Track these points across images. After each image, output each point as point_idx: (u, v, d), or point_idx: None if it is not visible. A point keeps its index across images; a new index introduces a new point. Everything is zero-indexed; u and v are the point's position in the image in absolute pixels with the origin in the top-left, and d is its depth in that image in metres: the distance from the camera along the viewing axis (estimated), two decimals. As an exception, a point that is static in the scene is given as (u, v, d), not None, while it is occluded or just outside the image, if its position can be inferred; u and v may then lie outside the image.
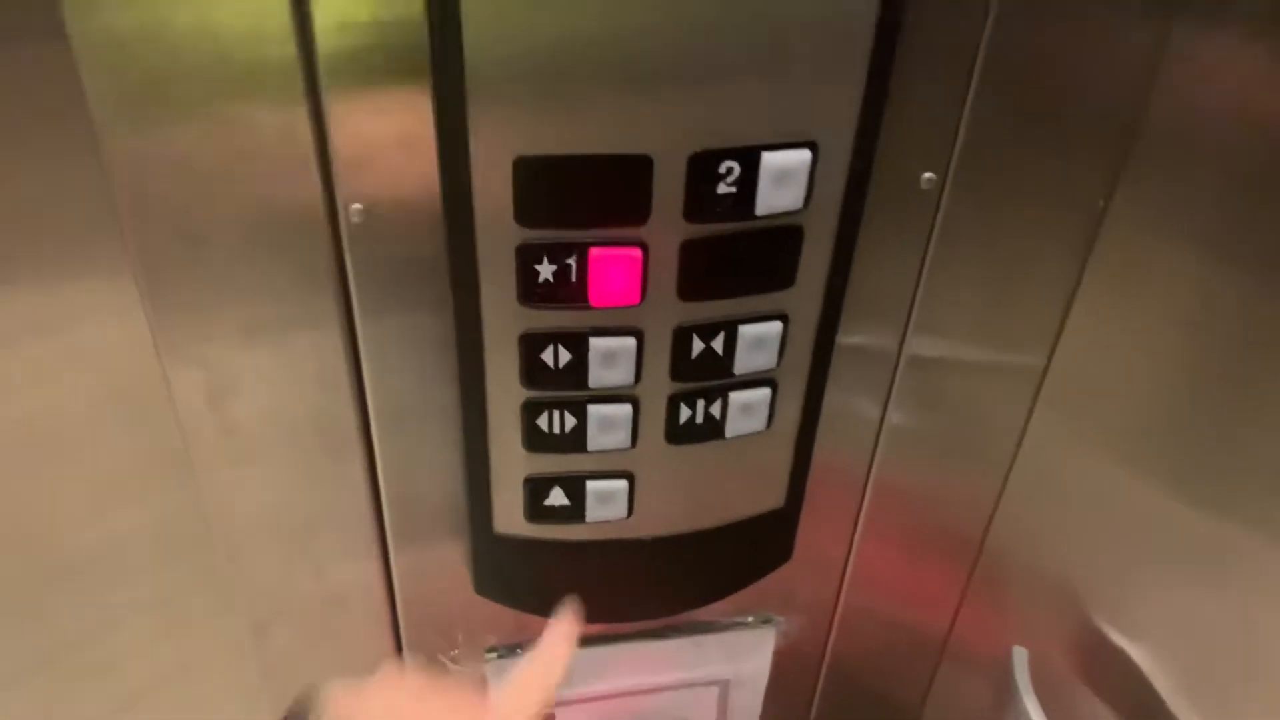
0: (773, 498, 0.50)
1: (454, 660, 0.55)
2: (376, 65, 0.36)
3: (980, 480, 0.55)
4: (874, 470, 0.54)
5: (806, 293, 0.42)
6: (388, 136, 0.37)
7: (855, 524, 0.56)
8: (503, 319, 0.40)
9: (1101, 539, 0.54)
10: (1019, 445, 0.53)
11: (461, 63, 0.34)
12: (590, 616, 0.52)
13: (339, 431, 0.45)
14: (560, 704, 0.59)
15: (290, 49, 0.35)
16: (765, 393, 0.45)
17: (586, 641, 0.55)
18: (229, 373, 0.43)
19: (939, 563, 0.60)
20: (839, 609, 0.61)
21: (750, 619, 0.59)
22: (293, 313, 0.42)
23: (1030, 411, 0.52)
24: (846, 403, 0.50)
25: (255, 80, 0.35)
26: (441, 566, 0.51)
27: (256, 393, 0.44)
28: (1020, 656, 0.54)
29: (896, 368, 0.49)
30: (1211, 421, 0.48)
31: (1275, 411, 0.46)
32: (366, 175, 0.38)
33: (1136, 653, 0.54)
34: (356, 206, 0.38)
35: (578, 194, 0.37)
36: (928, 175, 0.42)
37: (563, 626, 0.43)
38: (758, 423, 0.45)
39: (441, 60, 0.34)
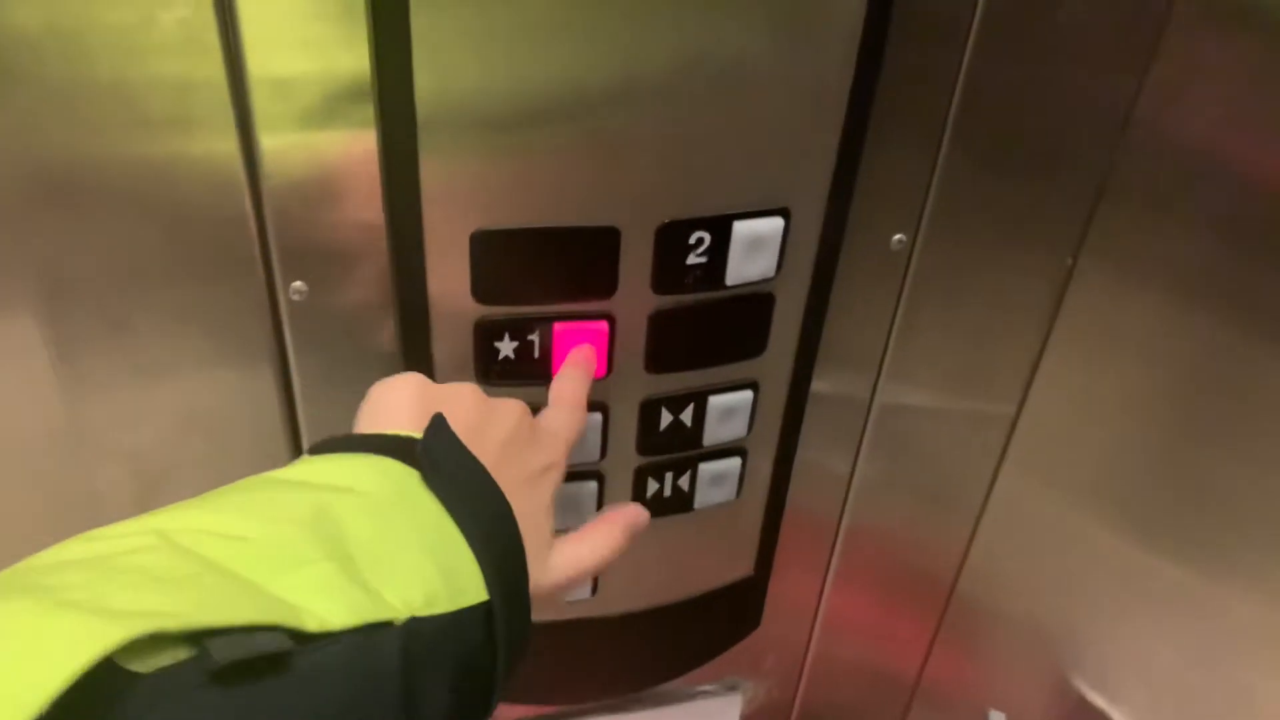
0: (742, 566, 0.48)
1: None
2: (319, 135, 0.33)
3: (950, 528, 0.54)
4: (844, 522, 0.52)
5: (777, 359, 0.40)
6: (332, 211, 0.34)
7: (824, 580, 0.54)
8: (459, 398, 0.37)
9: (1072, 588, 0.54)
10: (989, 493, 0.52)
11: (414, 134, 0.31)
12: (554, 698, 0.49)
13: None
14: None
15: (225, 115, 0.32)
16: (735, 462, 0.43)
17: (546, 718, 0.53)
18: (160, 461, 0.40)
19: (909, 612, 0.58)
20: (807, 665, 0.59)
21: (716, 687, 0.56)
22: (230, 398, 0.38)
23: (1000, 460, 0.51)
24: (818, 457, 0.48)
25: (187, 154, 0.32)
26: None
27: (191, 480, 0.40)
28: (997, 720, 0.52)
29: (868, 418, 0.48)
30: (1181, 471, 0.47)
31: (1244, 460, 0.45)
32: (309, 252, 0.35)
33: (1111, 703, 0.53)
34: (298, 285, 0.36)
35: (540, 268, 0.35)
36: (898, 237, 0.41)
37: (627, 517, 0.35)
38: (727, 493, 0.43)
39: (392, 132, 0.32)
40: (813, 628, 0.57)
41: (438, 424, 0.29)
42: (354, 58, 0.31)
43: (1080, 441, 0.49)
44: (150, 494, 0.40)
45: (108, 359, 0.36)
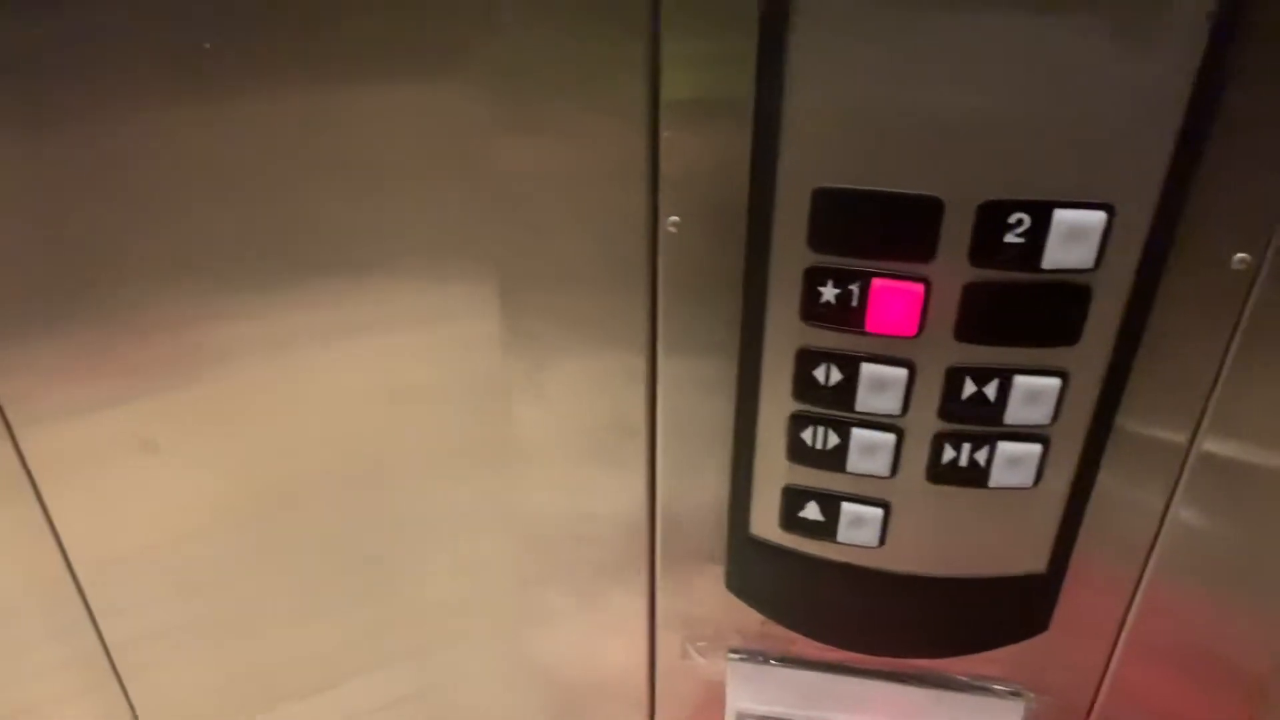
0: (1033, 561, 0.49)
1: (700, 652, 0.59)
2: (708, 100, 0.41)
3: (1273, 612, 0.51)
4: (1149, 568, 0.51)
5: (1089, 355, 0.42)
6: (709, 161, 0.43)
7: (1123, 621, 0.54)
8: (784, 333, 0.43)
9: None
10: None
11: (780, 107, 0.38)
12: (829, 639, 0.54)
13: (630, 419, 0.51)
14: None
15: (639, 84, 0.41)
16: (1035, 449, 0.45)
17: (828, 668, 0.57)
18: (550, 357, 0.50)
19: (1214, 695, 0.55)
20: (1095, 711, 0.58)
21: (999, 687, 0.57)
22: (607, 311, 0.48)
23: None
24: (1125, 488, 0.48)
25: (606, 106, 0.43)
26: (701, 561, 0.55)
27: (569, 378, 0.51)
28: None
29: (1185, 463, 0.47)
30: None
31: None
32: (686, 193, 0.44)
33: None
34: (674, 219, 0.44)
35: (868, 227, 0.40)
36: (1241, 256, 0.41)
37: None
38: (1024, 478, 0.46)
39: (765, 105, 0.39)
40: (1106, 666, 0.56)
41: None
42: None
43: None
44: (539, 388, 0.51)
45: (526, 269, 0.48)
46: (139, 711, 0.67)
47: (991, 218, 0.39)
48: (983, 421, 0.44)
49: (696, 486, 0.53)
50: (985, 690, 0.58)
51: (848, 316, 0.42)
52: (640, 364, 0.49)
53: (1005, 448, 0.45)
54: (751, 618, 0.56)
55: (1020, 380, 0.43)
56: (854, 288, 0.41)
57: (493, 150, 0.44)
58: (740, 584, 0.54)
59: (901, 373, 0.43)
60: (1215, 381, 0.45)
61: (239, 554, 0.61)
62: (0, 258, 0.50)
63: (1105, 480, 0.47)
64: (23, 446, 0.55)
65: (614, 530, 0.56)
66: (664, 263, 0.46)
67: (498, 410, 0.53)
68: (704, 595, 0.56)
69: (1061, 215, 0.38)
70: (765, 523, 0.50)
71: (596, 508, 0.56)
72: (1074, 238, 0.39)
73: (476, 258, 0.48)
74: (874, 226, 0.40)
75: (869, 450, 0.45)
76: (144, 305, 0.51)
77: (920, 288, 0.41)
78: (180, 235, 0.49)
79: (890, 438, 0.45)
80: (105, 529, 0.59)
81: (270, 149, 0.47)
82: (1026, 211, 0.38)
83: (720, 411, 0.49)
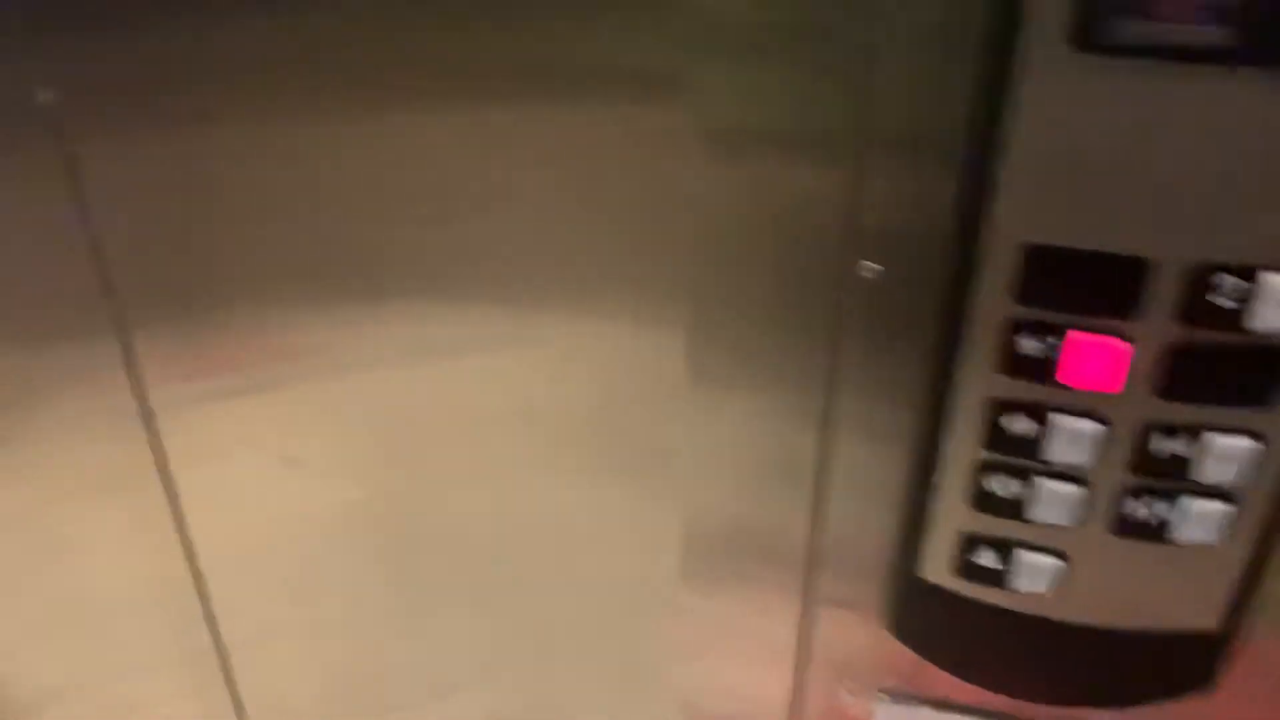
0: (1207, 617, 0.49)
1: (850, 691, 0.59)
2: (914, 148, 0.42)
3: None
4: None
5: (1288, 417, 0.42)
6: (910, 211, 0.44)
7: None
8: (976, 382, 0.44)
9: None
10: None
11: (997, 160, 0.39)
12: (990, 685, 0.54)
13: (798, 452, 0.52)
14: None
15: (846, 125, 0.43)
16: (1223, 507, 0.45)
17: (978, 713, 0.57)
18: (723, 392, 0.51)
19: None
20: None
21: (1154, 742, 0.57)
22: (788, 351, 0.49)
23: None
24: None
25: (809, 146, 0.44)
26: (856, 603, 0.56)
27: (741, 413, 0.52)
28: None
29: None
30: None
31: None
32: (882, 238, 0.44)
33: None
34: (868, 264, 0.45)
35: (1076, 283, 0.41)
36: None
37: None
38: (1208, 535, 0.45)
39: (979, 157, 0.40)
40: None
41: None
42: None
43: None
44: (707, 407, 0.52)
45: (717, 304, 0.49)
46: (249, 713, 0.68)
47: (1201, 279, 0.39)
48: (1173, 477, 0.44)
49: (858, 529, 0.54)
50: (1140, 744, 0.57)
51: (1046, 369, 0.42)
52: (815, 405, 0.50)
53: (1193, 504, 0.45)
54: (903, 660, 0.56)
55: (1216, 439, 0.43)
56: (1055, 342, 0.42)
57: (691, 182, 0.46)
58: (902, 627, 0.54)
59: (1097, 427, 0.43)
60: None
61: (361, 560, 0.62)
62: (159, 240, 0.50)
63: (1283, 540, 0.47)
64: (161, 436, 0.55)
65: (769, 566, 0.57)
66: (851, 306, 0.46)
67: (658, 437, 0.54)
68: (857, 636, 0.57)
69: (1271, 279, 0.38)
70: (936, 567, 0.50)
71: (753, 543, 0.56)
72: (1284, 302, 0.39)
73: (662, 288, 0.49)
74: (1082, 283, 0.41)
75: (1053, 500, 0.45)
76: (285, 305, 0.52)
77: (1122, 345, 0.41)
78: (323, 241, 0.50)
79: (1076, 489, 0.45)
80: (230, 526, 0.60)
81: (454, 166, 0.48)
82: (1237, 274, 0.39)
83: (889, 456, 0.50)
